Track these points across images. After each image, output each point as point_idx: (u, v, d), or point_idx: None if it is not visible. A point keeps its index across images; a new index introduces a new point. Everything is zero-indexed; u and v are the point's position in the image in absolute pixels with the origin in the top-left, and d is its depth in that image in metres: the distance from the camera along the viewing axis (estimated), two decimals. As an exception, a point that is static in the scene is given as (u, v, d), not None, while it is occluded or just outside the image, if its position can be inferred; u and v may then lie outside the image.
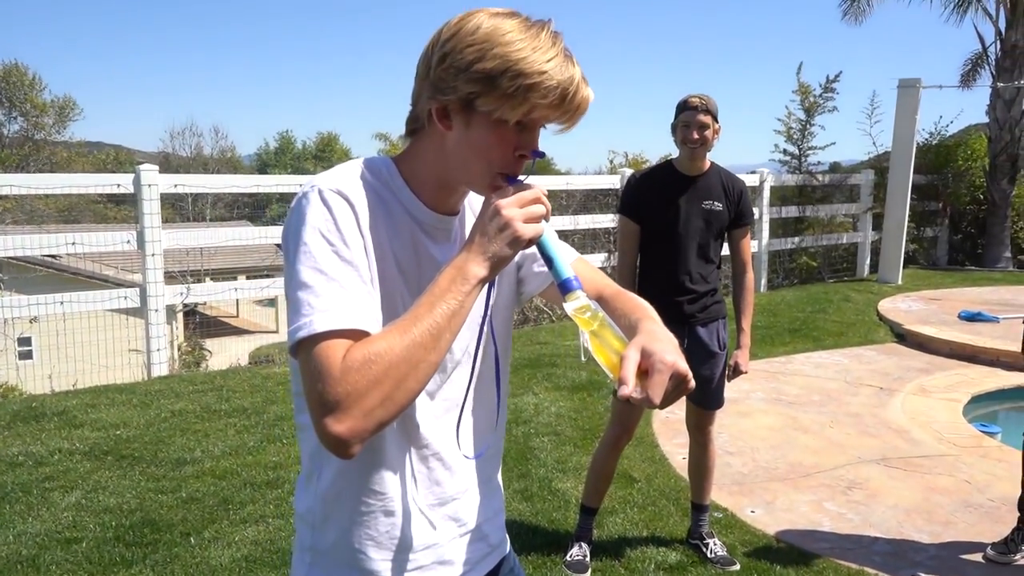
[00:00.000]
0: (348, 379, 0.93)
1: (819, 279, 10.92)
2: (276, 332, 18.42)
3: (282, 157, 45.26)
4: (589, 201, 9.53)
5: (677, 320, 3.07)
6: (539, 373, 5.96)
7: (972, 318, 7.67)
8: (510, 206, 1.02)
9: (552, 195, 9.73)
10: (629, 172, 8.90)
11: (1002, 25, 12.19)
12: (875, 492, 3.91)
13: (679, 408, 3.89)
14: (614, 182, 8.90)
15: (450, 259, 1.04)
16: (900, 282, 10.29)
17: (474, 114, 1.05)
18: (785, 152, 11.15)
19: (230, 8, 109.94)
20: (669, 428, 4.74)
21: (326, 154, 44.83)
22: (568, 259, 1.10)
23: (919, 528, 3.53)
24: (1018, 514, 3.28)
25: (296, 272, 1.00)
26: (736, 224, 3.18)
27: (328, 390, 0.93)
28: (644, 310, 1.15)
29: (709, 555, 3.23)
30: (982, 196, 12.30)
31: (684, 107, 3.03)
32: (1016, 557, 3.22)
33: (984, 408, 5.66)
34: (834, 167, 11.26)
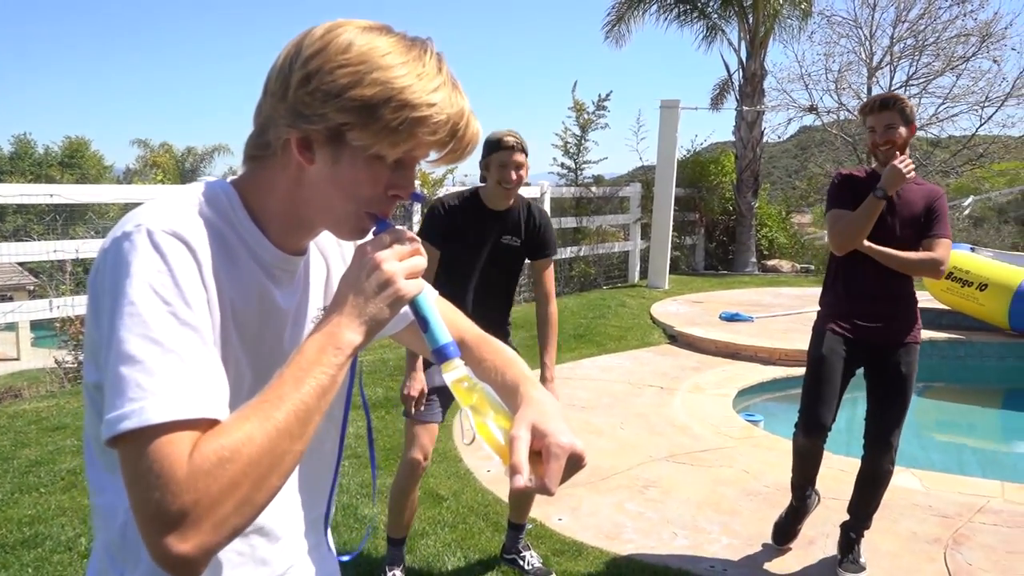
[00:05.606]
0: (197, 485, 0.72)
1: (596, 286, 11.53)
2: (18, 359, 16.27)
3: (19, 163, 40.16)
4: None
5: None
6: (334, 392, 5.71)
7: (731, 318, 8.44)
8: (390, 259, 0.86)
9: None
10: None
11: (744, 55, 13.65)
12: (669, 489, 4.13)
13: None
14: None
15: (317, 324, 0.86)
16: (667, 287, 11.14)
17: (344, 148, 0.88)
18: (563, 166, 11.68)
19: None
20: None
21: (75, 160, 40.41)
22: (441, 317, 0.96)
23: (710, 519, 3.77)
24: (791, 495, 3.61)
25: (120, 341, 0.76)
26: (538, 255, 3.12)
27: (170, 500, 0.72)
28: (517, 366, 1.04)
29: (526, 567, 3.23)
30: (731, 207, 13.65)
31: (499, 146, 2.88)
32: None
33: (749, 400, 6.23)
34: (598, 179, 11.89)
